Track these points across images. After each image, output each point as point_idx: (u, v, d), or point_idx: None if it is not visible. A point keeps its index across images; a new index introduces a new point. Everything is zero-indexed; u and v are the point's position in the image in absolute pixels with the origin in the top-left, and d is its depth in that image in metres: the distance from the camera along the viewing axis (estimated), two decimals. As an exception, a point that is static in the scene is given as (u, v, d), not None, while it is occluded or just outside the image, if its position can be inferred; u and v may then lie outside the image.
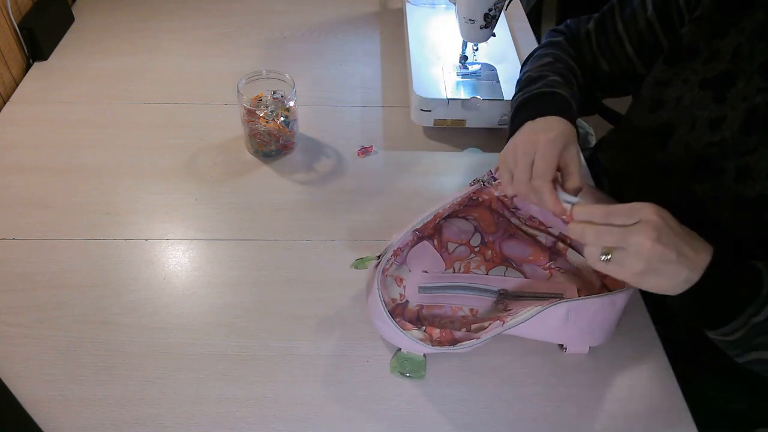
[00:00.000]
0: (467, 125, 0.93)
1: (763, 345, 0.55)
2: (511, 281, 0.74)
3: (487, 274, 0.74)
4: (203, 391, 0.63)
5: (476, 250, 0.76)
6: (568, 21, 0.84)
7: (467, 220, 0.78)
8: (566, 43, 0.82)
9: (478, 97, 0.89)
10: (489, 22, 0.86)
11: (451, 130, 0.96)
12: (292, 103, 0.86)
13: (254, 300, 0.72)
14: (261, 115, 0.84)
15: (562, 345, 0.67)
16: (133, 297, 0.71)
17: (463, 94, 0.90)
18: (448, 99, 0.89)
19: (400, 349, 0.66)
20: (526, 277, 0.74)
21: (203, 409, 0.62)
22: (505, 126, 0.93)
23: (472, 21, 0.86)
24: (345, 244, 0.78)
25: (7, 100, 0.98)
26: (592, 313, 0.63)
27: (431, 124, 0.93)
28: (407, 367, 0.65)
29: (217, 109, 0.98)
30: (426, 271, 0.74)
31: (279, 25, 1.18)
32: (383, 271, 0.67)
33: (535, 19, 1.91)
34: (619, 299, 0.63)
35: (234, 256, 0.76)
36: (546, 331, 0.65)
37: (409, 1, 1.12)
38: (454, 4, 0.89)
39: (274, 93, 0.88)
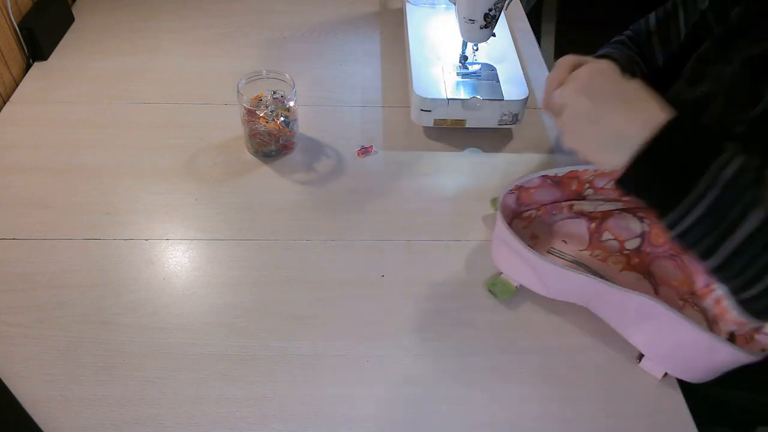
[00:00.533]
0: (467, 125, 0.93)
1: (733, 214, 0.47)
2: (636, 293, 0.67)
3: (620, 271, 0.74)
4: (203, 391, 0.63)
5: (625, 253, 0.76)
6: (631, 27, 0.85)
7: (641, 221, 0.76)
8: (629, 41, 0.83)
9: (478, 97, 0.89)
10: (489, 22, 0.86)
11: (451, 130, 0.96)
12: (292, 103, 0.86)
13: (254, 300, 0.72)
14: (261, 115, 0.84)
15: (640, 357, 0.66)
16: (133, 297, 0.71)
17: (463, 94, 0.90)
18: (448, 99, 0.89)
19: (501, 273, 0.73)
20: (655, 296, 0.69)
21: (203, 409, 0.62)
22: (505, 126, 0.93)
23: (472, 21, 0.86)
24: (345, 244, 0.78)
25: (7, 100, 0.98)
26: (686, 339, 0.59)
27: (431, 124, 0.93)
28: (498, 287, 0.72)
29: (217, 109, 0.98)
30: (565, 241, 0.76)
31: (279, 25, 1.18)
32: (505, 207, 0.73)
33: (535, 19, 1.91)
34: (721, 350, 0.57)
35: (234, 256, 0.76)
36: (629, 323, 0.64)
37: (409, 1, 1.12)
38: (454, 4, 0.89)
39: (274, 93, 0.88)
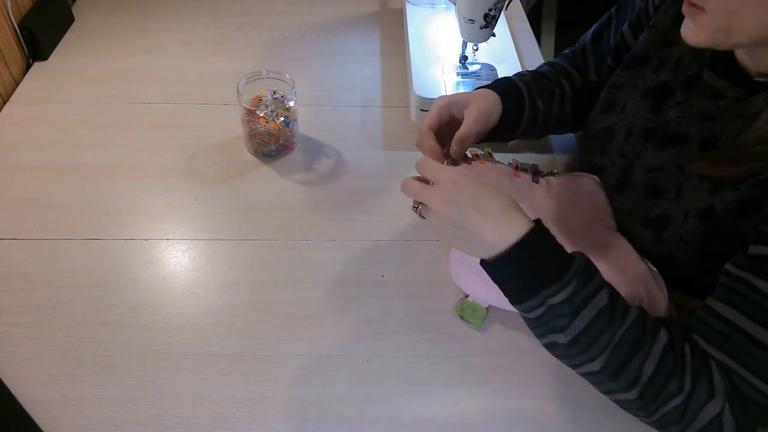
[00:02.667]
0: (467, 125, 0.92)
1: (557, 327, 0.55)
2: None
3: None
4: (203, 391, 0.63)
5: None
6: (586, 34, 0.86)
7: None
8: (573, 53, 0.85)
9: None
10: (489, 22, 0.86)
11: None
12: (292, 103, 0.86)
13: (254, 300, 0.72)
14: (261, 115, 0.84)
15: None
16: (133, 297, 0.71)
17: (463, 94, 0.90)
18: (448, 99, 0.89)
19: (467, 296, 0.70)
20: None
21: (203, 409, 0.62)
22: (505, 126, 0.93)
23: (472, 21, 0.86)
24: (345, 244, 0.78)
25: (7, 100, 0.98)
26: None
27: (431, 124, 0.93)
28: (467, 312, 0.69)
29: (217, 109, 0.98)
30: None
31: (279, 25, 1.18)
32: None
33: (535, 19, 1.91)
34: None
35: (234, 256, 0.76)
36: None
37: (409, 1, 1.12)
38: (454, 4, 0.89)
39: (274, 93, 0.88)
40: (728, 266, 0.54)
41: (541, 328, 0.56)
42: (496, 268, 0.56)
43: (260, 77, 0.87)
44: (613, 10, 0.79)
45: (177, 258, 0.76)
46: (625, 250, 0.66)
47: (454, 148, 0.68)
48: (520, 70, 0.95)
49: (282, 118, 0.86)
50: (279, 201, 0.84)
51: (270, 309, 0.71)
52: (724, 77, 0.58)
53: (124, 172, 0.87)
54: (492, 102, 0.72)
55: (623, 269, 0.64)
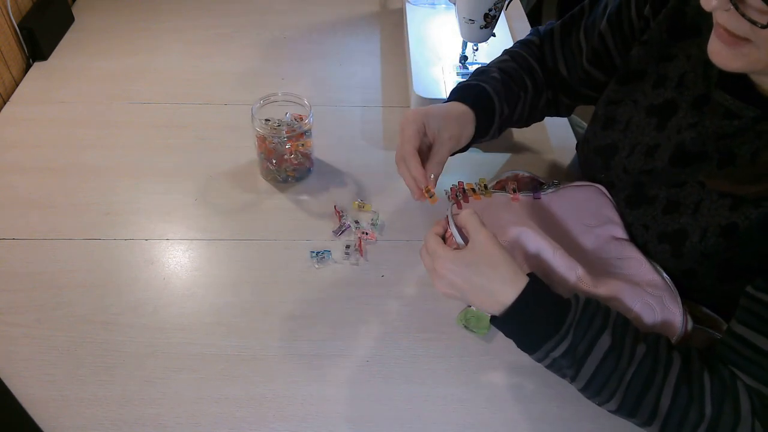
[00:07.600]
0: (467, 125, 0.92)
1: (568, 376, 0.58)
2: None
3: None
4: (203, 391, 0.63)
5: None
6: (551, 21, 0.83)
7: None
8: (534, 44, 0.82)
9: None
10: (489, 22, 0.86)
11: (451, 130, 0.95)
12: (307, 129, 0.82)
13: (254, 300, 0.72)
14: (287, 148, 0.81)
15: None
16: (133, 297, 0.71)
17: (463, 94, 0.90)
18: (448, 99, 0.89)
19: (470, 306, 0.69)
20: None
21: (203, 409, 0.62)
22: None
23: (472, 21, 0.86)
24: (345, 244, 0.78)
25: (7, 100, 0.98)
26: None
27: (431, 124, 0.93)
28: (472, 321, 0.69)
29: (217, 109, 0.98)
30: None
31: (279, 25, 1.18)
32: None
33: (535, 19, 1.91)
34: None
35: (234, 256, 0.76)
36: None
37: (409, 1, 1.12)
38: (454, 4, 0.89)
39: (287, 116, 0.84)
40: (750, 289, 0.54)
41: (556, 374, 0.60)
42: (502, 325, 0.59)
43: (275, 101, 0.83)
44: (585, 3, 0.77)
45: (177, 258, 0.76)
46: (637, 262, 0.66)
47: (431, 177, 0.69)
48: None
49: (300, 147, 0.82)
50: (279, 201, 0.84)
51: (270, 309, 0.71)
52: (737, 97, 0.57)
53: (124, 172, 0.87)
54: (464, 124, 0.71)
55: (636, 282, 0.64)
